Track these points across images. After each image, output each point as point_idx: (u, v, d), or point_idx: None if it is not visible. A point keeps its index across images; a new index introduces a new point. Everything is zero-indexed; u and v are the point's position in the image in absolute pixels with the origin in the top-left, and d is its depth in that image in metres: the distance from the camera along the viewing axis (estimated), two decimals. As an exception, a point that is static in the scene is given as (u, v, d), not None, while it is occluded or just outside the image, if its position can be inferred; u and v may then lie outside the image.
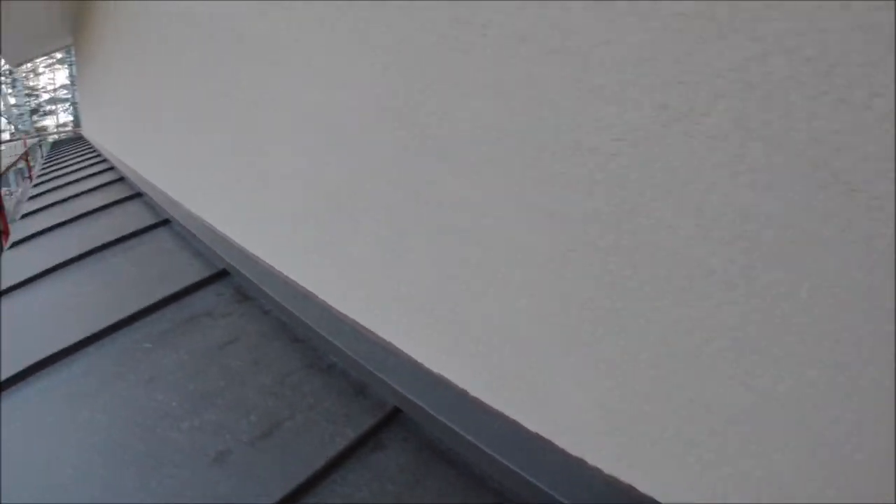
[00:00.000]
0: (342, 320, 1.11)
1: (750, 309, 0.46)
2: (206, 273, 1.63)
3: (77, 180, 4.08)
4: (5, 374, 1.28)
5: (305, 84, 1.00)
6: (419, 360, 0.93)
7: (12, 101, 24.93)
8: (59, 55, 21.92)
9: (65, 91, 26.83)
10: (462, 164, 0.71)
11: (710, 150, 0.46)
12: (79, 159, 5.63)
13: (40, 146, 9.54)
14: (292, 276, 1.28)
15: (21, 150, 7.77)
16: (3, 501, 0.90)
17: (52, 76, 26.79)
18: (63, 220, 2.70)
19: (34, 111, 25.27)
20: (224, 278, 1.60)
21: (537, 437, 0.71)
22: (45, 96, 27.32)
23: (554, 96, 0.57)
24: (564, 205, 0.60)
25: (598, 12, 0.51)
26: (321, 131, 0.99)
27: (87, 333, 1.39)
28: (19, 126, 22.89)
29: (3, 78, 23.03)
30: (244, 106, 1.22)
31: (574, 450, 0.67)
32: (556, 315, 0.65)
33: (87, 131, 8.45)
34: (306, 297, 1.22)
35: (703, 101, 0.45)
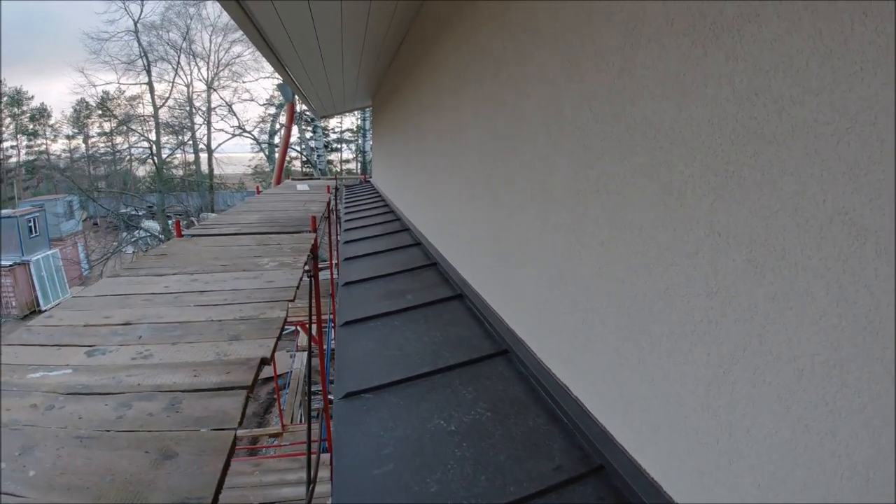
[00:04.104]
0: None
1: None
2: (577, 461, 1.56)
3: (387, 250, 4.56)
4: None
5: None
6: None
7: (308, 134, 30.04)
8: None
9: (350, 134, 31.77)
10: None
11: None
12: (380, 219, 6.38)
13: (337, 188, 11.22)
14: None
15: (323, 192, 9.17)
16: None
17: (339, 119, 31.97)
18: (391, 308, 2.96)
19: (325, 146, 30.19)
20: (599, 474, 1.51)
21: None
22: (333, 136, 32.62)
23: None
24: None
25: None
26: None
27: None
28: (318, 166, 27.48)
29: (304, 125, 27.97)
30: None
31: None
32: None
33: (382, 189, 9.67)
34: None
35: None
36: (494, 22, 2.39)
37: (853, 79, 0.80)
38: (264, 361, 2.12)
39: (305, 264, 3.66)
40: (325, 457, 5.38)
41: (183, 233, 5.07)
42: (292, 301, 2.91)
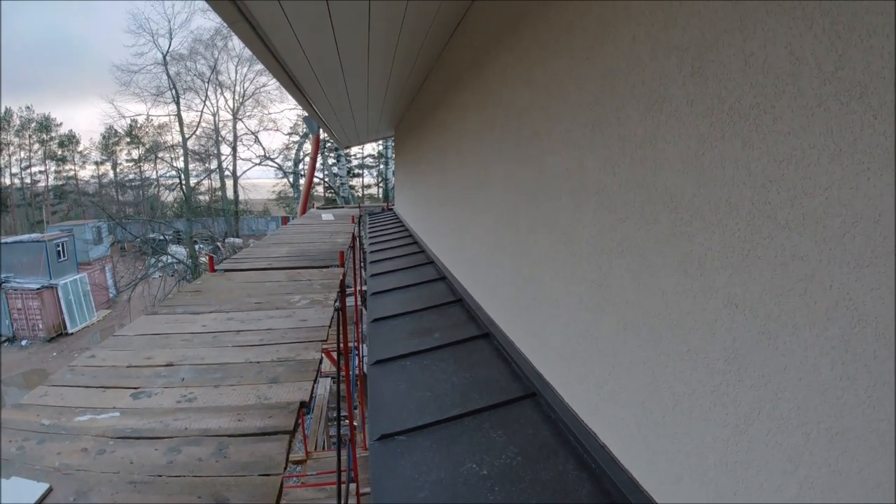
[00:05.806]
0: None
1: None
2: (606, 505, 1.65)
3: (413, 284, 4.69)
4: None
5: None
6: None
7: (332, 160, 30.61)
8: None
9: (371, 160, 32.38)
10: None
11: None
12: (404, 251, 6.53)
13: (361, 217, 11.46)
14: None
15: (348, 222, 9.40)
16: None
17: (360, 146, 32.63)
18: (420, 347, 3.07)
19: (348, 172, 30.78)
20: (627, 520, 1.60)
21: None
22: (355, 161, 33.24)
23: None
24: None
25: None
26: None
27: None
28: (340, 193, 28.02)
29: (328, 153, 28.62)
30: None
31: None
32: None
33: (405, 218, 9.84)
34: None
35: None
36: (520, 81, 2.53)
37: (860, 177, 0.89)
38: (304, 405, 2.22)
39: (335, 300, 3.79)
40: (352, 487, 5.44)
41: (216, 267, 5.25)
42: (325, 341, 3.03)
